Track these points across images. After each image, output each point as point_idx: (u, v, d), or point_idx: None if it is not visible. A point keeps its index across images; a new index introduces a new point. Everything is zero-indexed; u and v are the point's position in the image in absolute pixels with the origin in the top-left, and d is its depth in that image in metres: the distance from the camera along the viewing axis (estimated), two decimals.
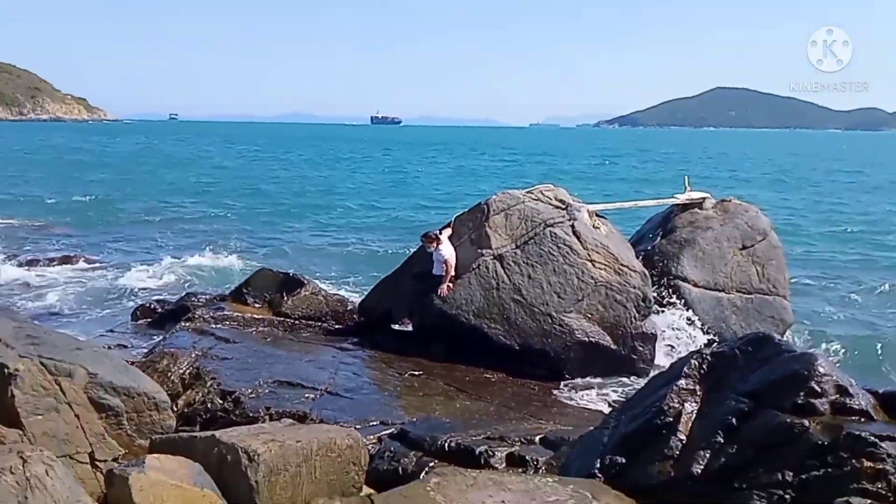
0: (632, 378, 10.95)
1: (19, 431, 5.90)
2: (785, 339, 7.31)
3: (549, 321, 11.19)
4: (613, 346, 11.32)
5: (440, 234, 11.73)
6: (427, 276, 11.67)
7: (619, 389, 10.50)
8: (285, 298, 12.57)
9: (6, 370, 5.92)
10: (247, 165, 66.02)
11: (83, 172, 52.42)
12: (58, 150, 78.22)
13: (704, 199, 13.92)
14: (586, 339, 11.20)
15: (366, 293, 13.36)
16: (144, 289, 17.68)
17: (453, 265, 11.42)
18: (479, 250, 11.49)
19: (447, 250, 11.47)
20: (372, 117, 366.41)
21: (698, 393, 5.60)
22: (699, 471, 5.09)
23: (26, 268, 19.66)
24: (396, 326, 12.04)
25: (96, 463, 6.27)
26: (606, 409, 9.15)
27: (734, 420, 5.14)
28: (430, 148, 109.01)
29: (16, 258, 20.81)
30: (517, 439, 7.22)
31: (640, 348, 11.50)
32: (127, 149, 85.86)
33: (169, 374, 8.89)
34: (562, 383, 10.79)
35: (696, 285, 12.76)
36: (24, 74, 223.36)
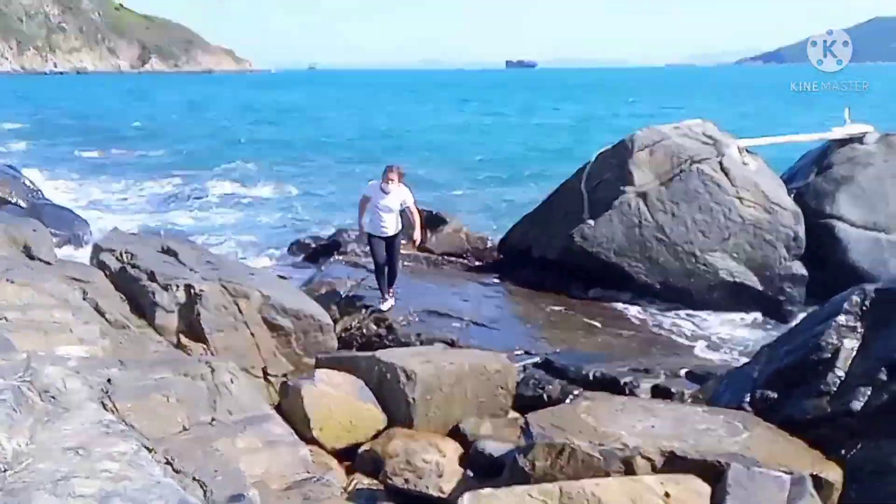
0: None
1: (204, 345, 6.58)
2: None
3: (693, 260, 10.99)
4: (760, 287, 11.01)
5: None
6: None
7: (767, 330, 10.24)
8: (429, 235, 12.96)
9: (192, 290, 6.59)
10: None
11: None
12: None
13: (866, 133, 13.00)
14: (731, 279, 10.93)
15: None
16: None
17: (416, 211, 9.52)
18: (622, 187, 11.35)
19: (407, 192, 9.40)
20: (507, 62, 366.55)
21: (859, 330, 5.43)
22: (858, 407, 4.99)
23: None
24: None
25: (268, 377, 6.90)
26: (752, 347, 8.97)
27: None
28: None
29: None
30: (662, 372, 7.26)
31: (789, 290, 11.11)
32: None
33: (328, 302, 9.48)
34: (706, 322, 10.64)
35: (852, 225, 12.05)
36: (178, 28, 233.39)
